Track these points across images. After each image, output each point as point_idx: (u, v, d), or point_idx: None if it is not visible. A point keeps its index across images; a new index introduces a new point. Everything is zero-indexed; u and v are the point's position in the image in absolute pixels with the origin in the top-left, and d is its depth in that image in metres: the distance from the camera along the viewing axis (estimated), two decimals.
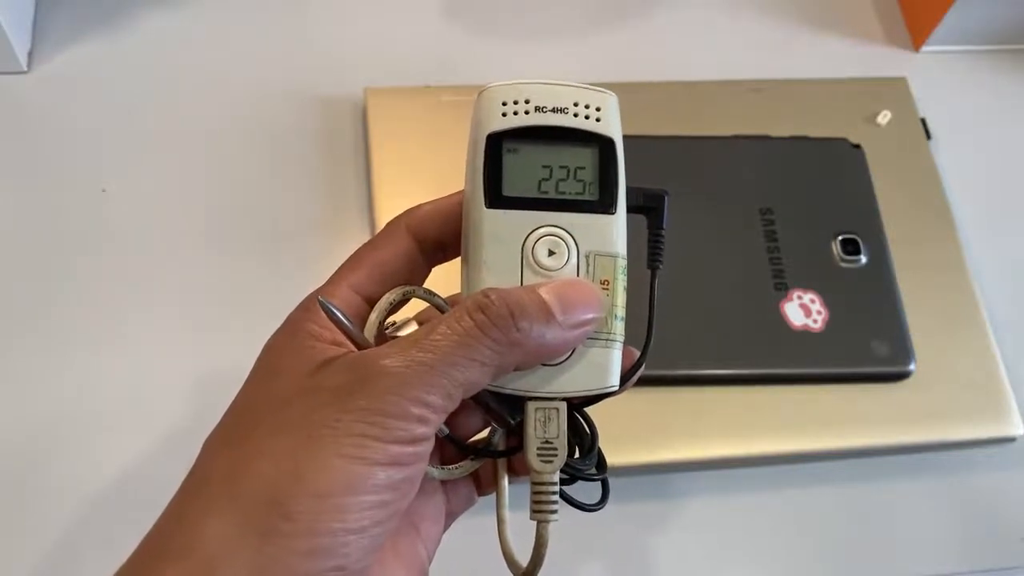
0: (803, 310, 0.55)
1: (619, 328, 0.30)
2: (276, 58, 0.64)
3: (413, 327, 0.31)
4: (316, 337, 0.29)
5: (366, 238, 0.56)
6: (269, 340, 0.30)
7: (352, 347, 0.29)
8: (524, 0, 0.69)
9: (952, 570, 0.54)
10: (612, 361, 0.30)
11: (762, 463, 0.54)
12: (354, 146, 0.61)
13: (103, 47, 0.63)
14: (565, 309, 0.29)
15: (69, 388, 0.52)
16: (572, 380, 0.30)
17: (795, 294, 0.55)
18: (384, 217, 0.56)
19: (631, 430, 0.51)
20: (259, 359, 0.30)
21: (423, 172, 0.58)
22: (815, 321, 0.55)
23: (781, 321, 0.54)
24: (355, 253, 0.32)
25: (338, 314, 0.28)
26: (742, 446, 0.53)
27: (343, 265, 0.32)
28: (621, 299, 0.30)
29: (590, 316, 0.29)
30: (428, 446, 0.28)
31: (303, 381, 0.28)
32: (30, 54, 0.62)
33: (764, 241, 0.57)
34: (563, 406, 0.30)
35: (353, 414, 0.26)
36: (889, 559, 0.54)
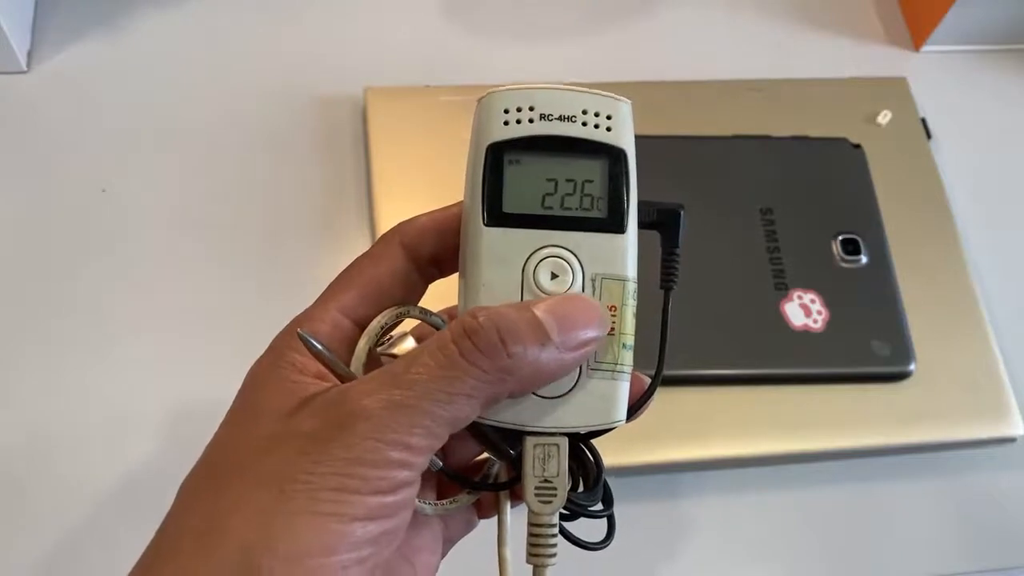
0: (803, 310, 0.55)
1: (627, 358, 0.28)
2: (276, 58, 0.64)
3: (410, 343, 0.29)
4: (299, 369, 0.28)
5: (366, 238, 0.57)
6: (253, 366, 0.29)
7: (337, 380, 0.28)
8: (524, 0, 0.69)
9: (952, 570, 0.54)
10: (619, 394, 0.28)
11: (762, 463, 0.54)
12: (354, 146, 0.61)
13: (103, 47, 0.63)
14: (563, 329, 0.26)
15: (68, 388, 0.52)
16: (575, 414, 0.28)
17: (795, 294, 0.55)
18: (384, 217, 0.56)
19: (629, 430, 0.51)
20: (241, 389, 0.28)
21: (423, 172, 0.58)
22: (815, 321, 0.55)
23: (781, 321, 0.54)
24: (344, 271, 0.30)
25: (318, 347, 0.27)
26: (742, 446, 0.53)
27: (331, 285, 0.30)
28: (630, 327, 0.28)
29: (590, 336, 0.27)
30: (411, 492, 0.26)
31: (280, 425, 0.26)
32: (30, 54, 0.62)
33: (764, 241, 0.57)
34: (564, 442, 0.28)
35: (328, 464, 0.25)
36: (889, 559, 0.54)
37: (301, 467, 0.25)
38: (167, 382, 0.53)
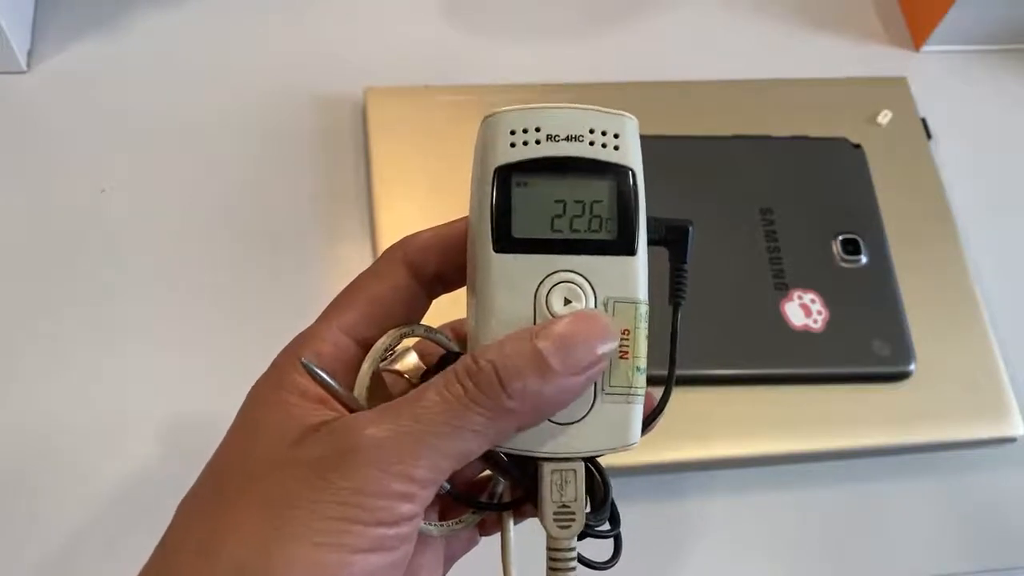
0: (803, 310, 0.55)
1: (640, 381, 0.28)
2: (276, 58, 0.64)
3: (412, 358, 0.29)
4: (301, 392, 0.27)
5: (366, 239, 0.57)
6: (254, 386, 0.29)
7: (340, 406, 0.28)
8: (524, 0, 0.69)
9: (952, 570, 0.54)
10: (633, 417, 0.28)
11: (762, 463, 0.54)
12: (354, 146, 0.61)
13: (103, 47, 0.63)
14: (566, 355, 0.26)
15: (67, 390, 0.52)
16: (591, 439, 0.28)
17: (795, 294, 0.55)
18: (384, 217, 0.56)
19: None
20: (243, 407, 0.28)
21: (423, 172, 0.58)
22: (815, 321, 0.55)
23: (781, 321, 0.54)
24: (346, 288, 0.30)
25: (323, 376, 0.27)
26: (742, 446, 0.53)
27: (333, 302, 0.29)
28: (643, 350, 0.28)
29: (597, 354, 0.26)
30: (413, 527, 0.26)
31: (282, 450, 0.26)
32: (30, 54, 0.62)
33: (764, 241, 0.57)
34: (581, 467, 0.28)
35: (330, 493, 0.24)
36: (889, 559, 0.54)
37: (303, 495, 0.25)
38: (166, 383, 0.53)
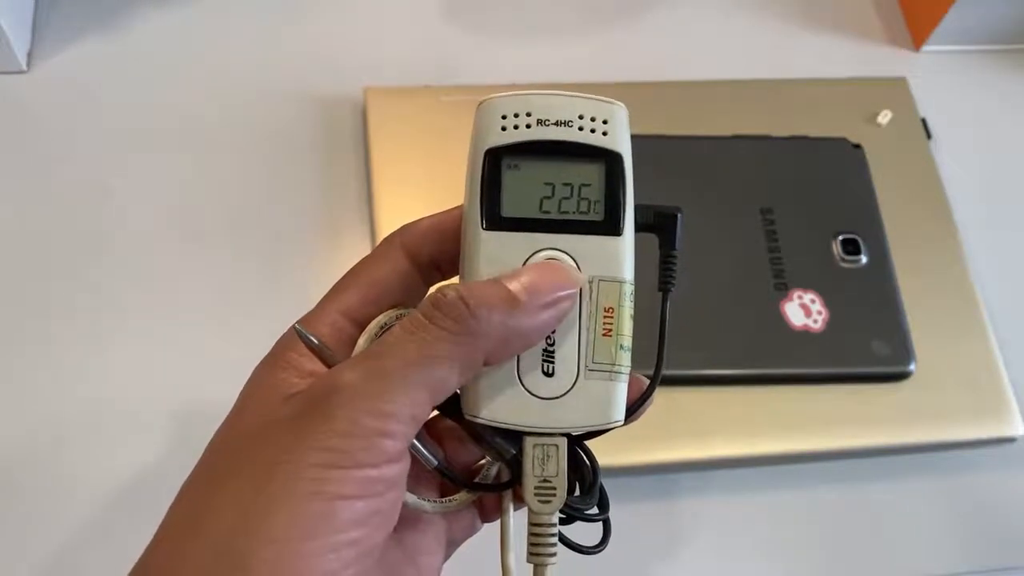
0: (803, 310, 0.55)
1: (624, 359, 0.29)
2: (276, 58, 0.64)
3: None
4: (296, 368, 0.28)
5: (366, 238, 0.57)
6: (255, 369, 0.29)
7: None
8: (524, 0, 0.69)
9: (952, 570, 0.54)
10: (616, 394, 0.29)
11: (762, 463, 0.54)
12: (354, 146, 0.61)
13: (103, 47, 0.63)
14: (532, 291, 0.27)
15: (67, 389, 0.52)
16: (573, 414, 0.28)
17: (795, 294, 0.55)
18: (384, 217, 0.56)
19: (629, 430, 0.51)
20: (242, 389, 0.29)
21: (423, 172, 0.58)
22: (815, 321, 0.55)
23: (781, 321, 0.54)
24: (346, 274, 0.30)
25: (313, 340, 0.27)
26: (742, 446, 0.53)
27: (333, 287, 0.30)
28: (627, 328, 0.29)
29: (563, 293, 0.27)
30: (399, 469, 0.26)
31: (267, 413, 0.27)
32: (30, 54, 0.62)
33: (764, 241, 0.57)
34: (563, 442, 0.29)
35: (309, 441, 0.25)
36: (889, 559, 0.54)
37: (284, 449, 0.25)
38: (167, 382, 0.53)
